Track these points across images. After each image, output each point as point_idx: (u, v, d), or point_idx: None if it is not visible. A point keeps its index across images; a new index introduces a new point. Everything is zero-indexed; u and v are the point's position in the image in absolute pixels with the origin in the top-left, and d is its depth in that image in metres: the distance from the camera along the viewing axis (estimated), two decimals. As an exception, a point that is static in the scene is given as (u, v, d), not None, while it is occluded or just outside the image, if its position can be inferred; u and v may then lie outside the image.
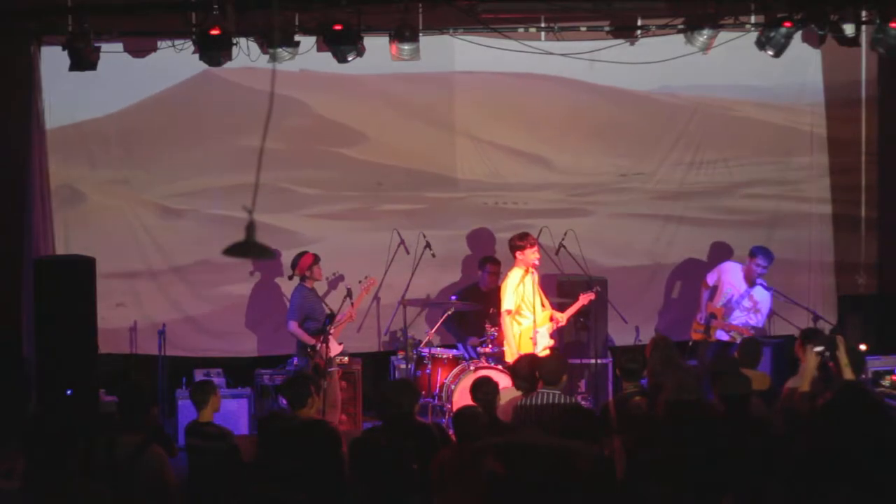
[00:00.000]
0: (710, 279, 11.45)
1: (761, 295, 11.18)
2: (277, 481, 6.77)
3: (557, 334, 11.20)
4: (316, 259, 11.00)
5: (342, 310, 11.09)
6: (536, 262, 10.87)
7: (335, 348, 10.89)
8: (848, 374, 8.33)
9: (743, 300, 11.15)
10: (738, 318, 11.23)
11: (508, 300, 10.78)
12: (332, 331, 10.74)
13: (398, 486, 6.76)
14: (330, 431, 7.26)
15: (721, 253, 12.41)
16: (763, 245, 11.55)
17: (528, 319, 10.78)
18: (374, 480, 6.60)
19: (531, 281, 10.84)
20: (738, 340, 11.00)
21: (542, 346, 10.76)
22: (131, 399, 7.60)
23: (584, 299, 11.09)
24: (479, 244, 12.63)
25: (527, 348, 10.56)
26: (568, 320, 11.17)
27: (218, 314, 12.18)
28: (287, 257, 11.33)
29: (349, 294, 11.14)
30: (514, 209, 12.78)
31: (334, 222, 12.56)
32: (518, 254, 10.85)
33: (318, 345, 10.66)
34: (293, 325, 10.87)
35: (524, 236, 10.89)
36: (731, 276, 11.36)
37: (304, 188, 12.48)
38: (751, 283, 11.21)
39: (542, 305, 10.96)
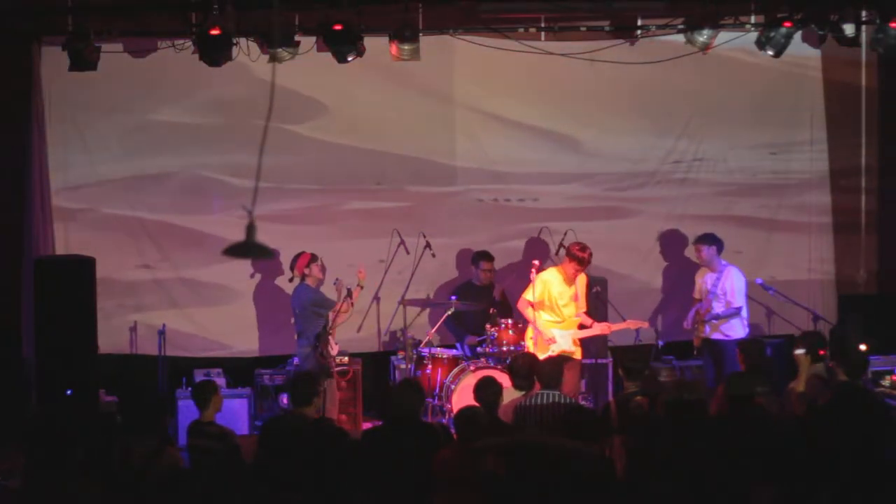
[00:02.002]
0: (694, 293, 11.48)
1: (732, 282, 11.16)
2: (282, 480, 6.78)
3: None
4: (313, 258, 10.96)
5: (339, 306, 11.01)
6: (572, 278, 10.96)
7: (334, 349, 10.90)
8: (800, 384, 8.44)
9: (716, 290, 11.16)
10: (715, 308, 11.21)
11: (531, 292, 10.89)
12: (331, 332, 10.73)
13: (400, 486, 6.78)
14: (336, 431, 7.27)
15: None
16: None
17: (549, 318, 10.91)
18: (376, 480, 6.62)
19: (566, 285, 10.93)
20: (717, 334, 11.08)
21: (561, 348, 10.82)
22: (147, 404, 7.62)
23: (633, 325, 11.20)
24: (533, 252, 12.10)
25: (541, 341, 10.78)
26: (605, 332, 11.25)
27: (218, 314, 12.15)
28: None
29: (349, 294, 11.09)
30: (531, 208, 12.29)
31: (284, 227, 11.68)
32: (566, 259, 10.95)
33: (320, 345, 10.67)
34: (331, 315, 10.84)
35: (584, 249, 10.90)
36: (699, 278, 11.40)
37: (241, 179, 11.58)
38: (712, 269, 11.21)
39: (577, 313, 11.06)
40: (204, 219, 11.99)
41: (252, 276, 12.12)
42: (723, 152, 12.63)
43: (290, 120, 11.72)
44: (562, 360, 9.40)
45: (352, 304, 11.05)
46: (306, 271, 10.93)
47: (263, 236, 10.89)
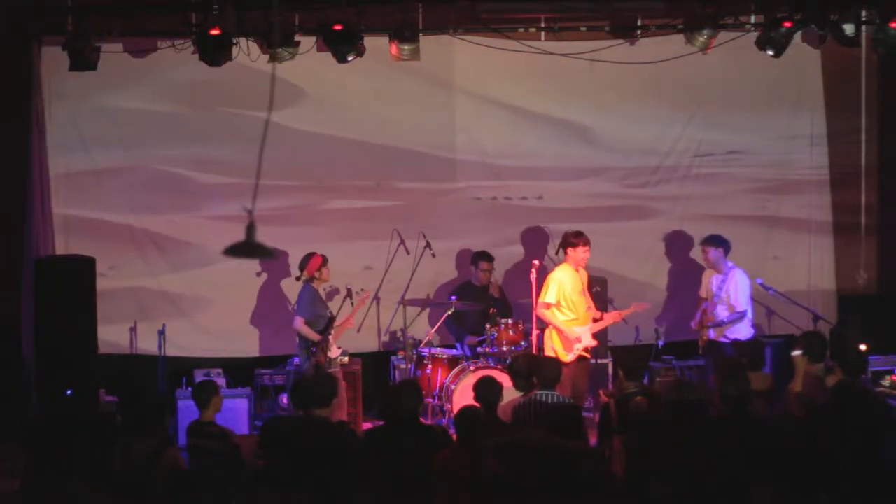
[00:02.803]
0: (700, 292, 11.46)
1: (736, 285, 11.14)
2: (285, 481, 6.78)
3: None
4: (325, 261, 10.94)
5: (341, 313, 11.00)
6: (583, 263, 10.88)
7: (334, 351, 10.90)
8: (797, 385, 8.46)
9: (720, 293, 11.15)
10: (719, 312, 11.20)
11: (550, 294, 10.80)
12: (332, 333, 10.76)
13: (399, 486, 6.78)
14: (351, 434, 7.29)
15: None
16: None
17: (566, 317, 10.81)
18: (375, 480, 6.61)
19: (577, 279, 10.85)
20: (723, 337, 11.04)
21: (584, 344, 10.80)
22: (148, 404, 7.61)
23: (640, 307, 11.19)
24: (532, 247, 12.06)
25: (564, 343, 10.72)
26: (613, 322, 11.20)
27: (218, 314, 12.14)
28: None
29: (349, 294, 11.05)
30: (537, 207, 12.12)
31: (274, 228, 11.35)
32: (570, 250, 10.87)
33: (318, 347, 10.68)
34: (299, 322, 10.82)
35: (579, 234, 10.85)
36: (706, 278, 11.38)
37: (206, 174, 11.45)
38: (718, 271, 11.18)
39: (588, 307, 10.98)
40: (204, 218, 11.97)
41: (259, 274, 12.06)
42: (722, 150, 12.63)
43: (260, 106, 11.32)
44: (560, 361, 9.41)
45: (352, 315, 11.04)
46: (316, 274, 10.91)
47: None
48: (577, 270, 10.89)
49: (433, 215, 12.15)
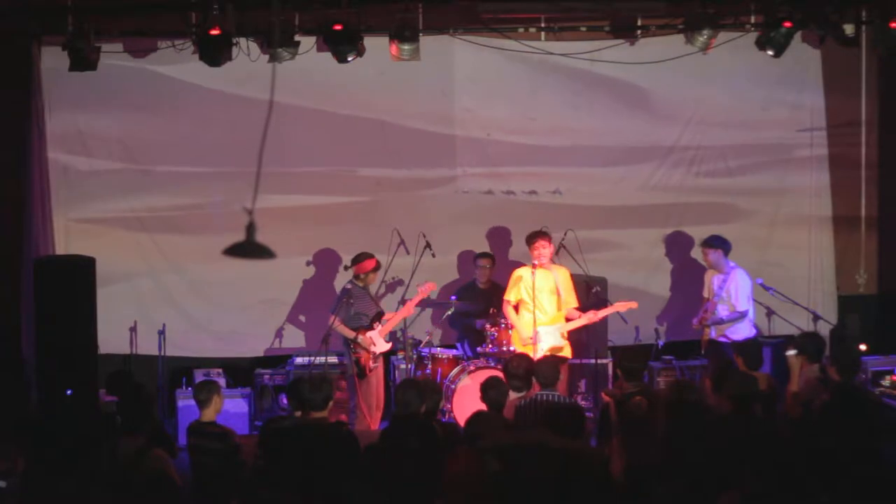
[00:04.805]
0: (703, 292, 11.44)
1: (737, 284, 11.11)
2: (283, 482, 6.78)
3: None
4: (377, 266, 10.99)
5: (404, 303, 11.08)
6: (536, 263, 10.75)
7: (382, 346, 10.96)
8: (793, 385, 8.49)
9: (721, 293, 11.14)
10: (720, 311, 11.18)
11: (510, 291, 10.88)
12: (377, 328, 10.86)
13: (400, 486, 6.77)
14: (348, 434, 7.29)
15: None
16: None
17: (529, 316, 10.75)
18: (377, 479, 6.62)
19: (545, 277, 10.79)
20: (723, 336, 11.00)
21: (547, 345, 10.67)
22: (133, 401, 7.60)
23: (622, 307, 11.01)
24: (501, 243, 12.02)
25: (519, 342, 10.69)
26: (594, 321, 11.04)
27: (218, 314, 12.14)
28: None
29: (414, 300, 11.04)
30: (560, 205, 12.04)
31: (171, 240, 11.78)
32: (530, 250, 10.84)
33: (360, 337, 10.78)
34: (333, 320, 10.87)
35: (534, 235, 10.77)
36: (708, 278, 11.36)
37: (204, 168, 11.64)
38: (719, 270, 11.14)
39: (559, 307, 10.88)
40: (205, 216, 11.93)
41: (308, 264, 11.85)
42: (721, 148, 12.62)
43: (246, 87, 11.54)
44: (558, 359, 9.40)
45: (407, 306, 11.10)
46: (363, 276, 10.96)
47: (145, 256, 11.17)
48: (543, 268, 10.78)
49: (426, 216, 12.02)
